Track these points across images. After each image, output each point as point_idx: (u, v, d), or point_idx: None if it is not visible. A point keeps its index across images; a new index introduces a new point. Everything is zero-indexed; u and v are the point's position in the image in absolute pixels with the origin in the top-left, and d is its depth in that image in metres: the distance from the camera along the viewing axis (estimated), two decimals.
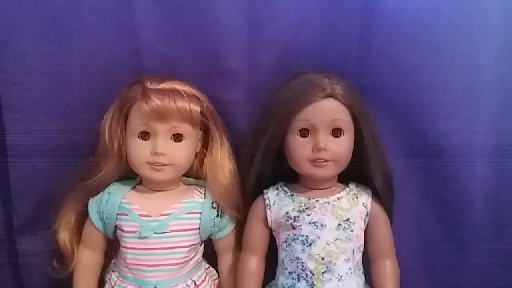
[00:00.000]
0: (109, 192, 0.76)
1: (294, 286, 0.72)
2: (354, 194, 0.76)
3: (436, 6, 0.78)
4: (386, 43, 0.78)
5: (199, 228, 0.76)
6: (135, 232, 0.73)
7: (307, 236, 0.72)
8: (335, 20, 0.78)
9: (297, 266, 0.73)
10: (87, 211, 0.76)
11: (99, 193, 0.76)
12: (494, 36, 0.78)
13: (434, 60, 0.79)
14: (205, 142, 0.78)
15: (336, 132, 0.71)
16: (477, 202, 0.83)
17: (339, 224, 0.72)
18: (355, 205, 0.74)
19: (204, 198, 0.77)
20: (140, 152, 0.72)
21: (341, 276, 0.72)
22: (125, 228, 0.74)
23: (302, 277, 0.72)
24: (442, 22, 0.78)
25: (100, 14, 0.77)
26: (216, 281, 0.81)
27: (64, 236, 0.77)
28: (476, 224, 0.83)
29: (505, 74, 0.79)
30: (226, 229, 0.78)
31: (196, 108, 0.73)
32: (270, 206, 0.76)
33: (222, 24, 0.78)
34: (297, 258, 0.72)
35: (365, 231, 0.75)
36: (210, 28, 0.78)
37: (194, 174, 0.80)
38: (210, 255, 0.81)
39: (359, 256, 0.75)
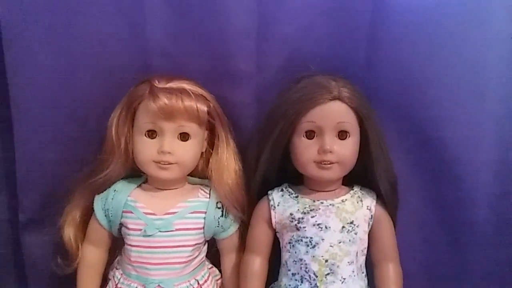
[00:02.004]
0: (115, 190, 0.76)
1: None
2: (359, 197, 0.76)
3: (444, 9, 0.78)
4: (393, 46, 0.79)
5: (203, 228, 0.76)
6: (140, 230, 0.73)
7: (311, 238, 0.72)
8: (343, 23, 0.79)
9: (301, 268, 0.73)
10: (93, 208, 0.76)
11: (105, 190, 0.77)
12: (502, 37, 0.79)
13: (442, 63, 0.79)
14: (211, 142, 0.79)
15: (342, 134, 0.72)
16: (481, 207, 0.83)
17: (343, 227, 0.73)
18: (359, 208, 0.74)
19: (209, 197, 0.77)
20: (146, 150, 0.73)
21: (344, 279, 0.72)
22: (130, 226, 0.74)
23: (305, 278, 0.72)
24: (450, 25, 0.78)
25: (110, 12, 0.77)
26: (219, 281, 0.82)
27: (69, 232, 0.77)
28: (479, 229, 0.83)
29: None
30: (230, 229, 0.79)
31: (203, 108, 0.74)
32: (274, 207, 0.76)
33: (231, 25, 0.78)
34: (301, 259, 0.73)
35: (368, 234, 0.75)
36: (219, 29, 0.78)
37: (199, 174, 0.80)
38: (214, 254, 0.81)
39: (362, 259, 0.75)
